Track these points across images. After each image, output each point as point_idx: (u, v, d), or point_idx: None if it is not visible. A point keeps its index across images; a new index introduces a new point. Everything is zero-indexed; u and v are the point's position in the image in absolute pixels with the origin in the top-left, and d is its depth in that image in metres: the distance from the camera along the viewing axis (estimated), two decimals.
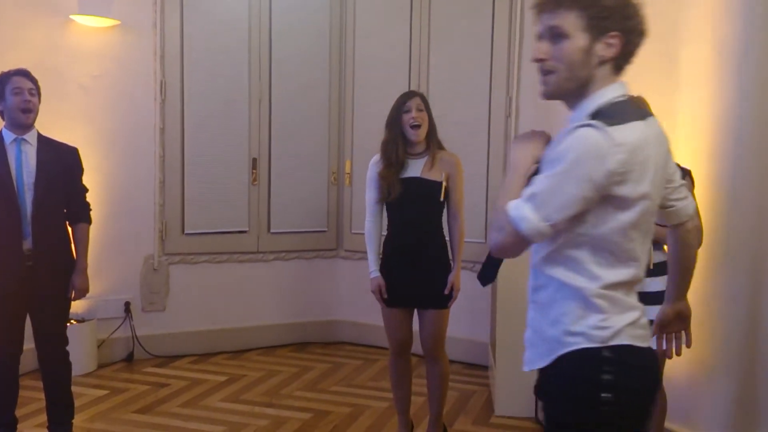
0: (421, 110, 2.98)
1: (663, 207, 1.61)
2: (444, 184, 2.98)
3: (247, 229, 4.75)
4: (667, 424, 2.87)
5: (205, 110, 4.56)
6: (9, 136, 2.90)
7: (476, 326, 4.40)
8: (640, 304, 1.49)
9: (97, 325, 4.28)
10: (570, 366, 1.44)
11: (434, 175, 2.98)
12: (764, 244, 2.74)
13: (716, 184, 2.88)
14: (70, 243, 3.05)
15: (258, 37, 4.68)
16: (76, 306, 3.73)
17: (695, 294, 2.88)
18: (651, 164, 1.42)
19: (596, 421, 1.42)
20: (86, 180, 3.14)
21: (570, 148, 1.37)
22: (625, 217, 1.41)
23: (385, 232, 3.11)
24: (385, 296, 3.02)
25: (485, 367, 4.36)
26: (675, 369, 2.87)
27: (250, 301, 4.79)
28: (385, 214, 3.09)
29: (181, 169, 4.52)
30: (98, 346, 4.30)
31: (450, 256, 3.08)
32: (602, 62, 1.46)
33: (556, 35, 1.46)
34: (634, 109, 1.45)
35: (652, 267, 2.62)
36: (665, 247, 2.65)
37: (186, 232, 4.58)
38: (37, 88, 2.95)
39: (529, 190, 1.41)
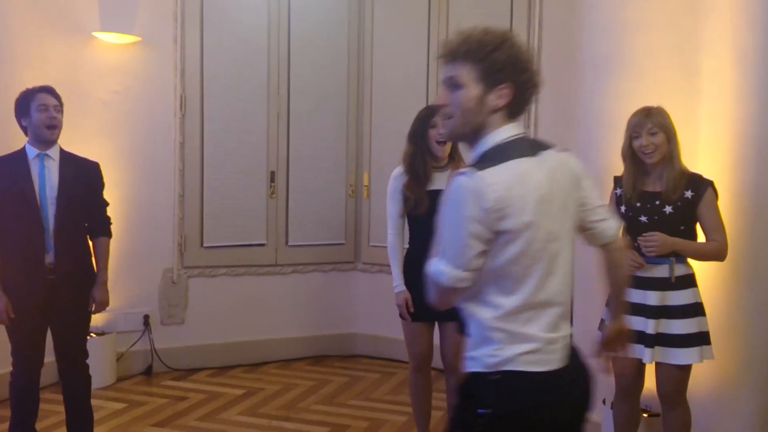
0: None
1: (583, 230, 1.75)
2: None
3: (265, 242, 4.77)
4: None
5: (224, 124, 4.59)
6: (32, 152, 2.94)
7: None
8: (542, 335, 1.60)
9: (116, 338, 4.31)
10: (466, 383, 1.66)
11: None
12: None
13: (739, 195, 2.83)
14: (91, 257, 3.08)
15: (277, 51, 4.72)
16: (96, 319, 3.76)
17: (719, 307, 2.85)
18: (533, 195, 1.55)
19: (475, 430, 1.62)
20: (107, 194, 3.17)
21: (451, 199, 1.56)
22: (515, 247, 1.55)
23: (406, 246, 3.09)
24: (412, 310, 3.00)
25: None
26: (699, 383, 2.82)
27: (268, 313, 4.79)
28: (406, 227, 3.08)
29: (200, 182, 4.56)
30: (117, 360, 4.32)
31: None
32: (495, 110, 1.61)
33: (453, 85, 1.62)
34: (520, 149, 1.60)
35: (674, 280, 2.60)
36: (689, 260, 2.63)
37: (205, 245, 4.60)
38: (61, 105, 3.00)
39: (439, 247, 1.60)
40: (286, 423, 3.70)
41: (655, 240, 2.57)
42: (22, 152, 2.96)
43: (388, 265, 3.09)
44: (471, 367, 1.65)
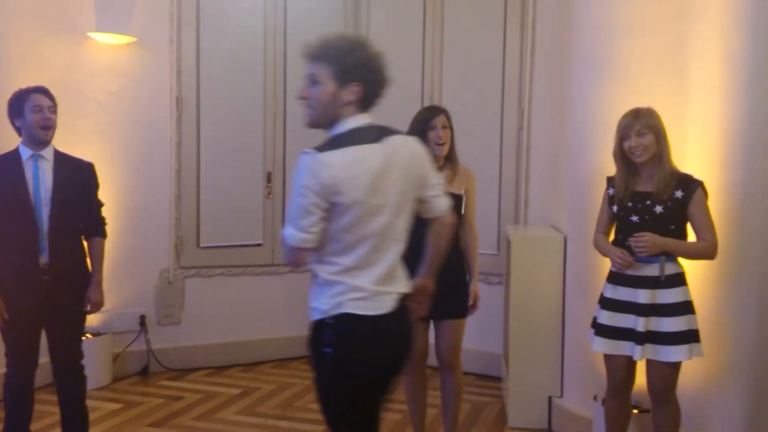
0: (446, 127, 3.02)
1: (420, 202, 2.04)
2: (464, 197, 3.03)
3: (261, 242, 4.78)
4: None
5: (220, 125, 4.61)
6: (26, 153, 2.94)
7: (489, 337, 4.38)
8: (371, 287, 1.91)
9: (112, 338, 4.32)
10: (311, 330, 1.96)
11: (456, 189, 3.00)
12: None
13: (728, 195, 2.87)
14: (86, 257, 3.08)
15: (273, 52, 4.73)
16: (92, 319, 3.78)
17: (708, 305, 2.88)
18: (365, 176, 1.86)
19: (326, 369, 1.94)
20: (102, 194, 3.17)
21: (296, 172, 1.89)
22: (347, 217, 1.87)
23: None
24: None
25: (498, 379, 4.34)
26: (689, 380, 2.85)
27: (264, 314, 4.80)
28: None
29: (196, 183, 4.57)
30: (113, 360, 4.33)
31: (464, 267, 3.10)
32: (347, 104, 1.92)
33: (313, 81, 1.93)
34: (365, 136, 1.91)
35: (664, 279, 2.63)
36: (679, 259, 2.66)
37: (201, 245, 4.62)
38: (55, 106, 3.00)
39: (288, 214, 1.92)
40: (283, 422, 3.72)
41: (646, 240, 2.59)
42: (15, 153, 2.94)
43: None
44: (313, 315, 1.96)
